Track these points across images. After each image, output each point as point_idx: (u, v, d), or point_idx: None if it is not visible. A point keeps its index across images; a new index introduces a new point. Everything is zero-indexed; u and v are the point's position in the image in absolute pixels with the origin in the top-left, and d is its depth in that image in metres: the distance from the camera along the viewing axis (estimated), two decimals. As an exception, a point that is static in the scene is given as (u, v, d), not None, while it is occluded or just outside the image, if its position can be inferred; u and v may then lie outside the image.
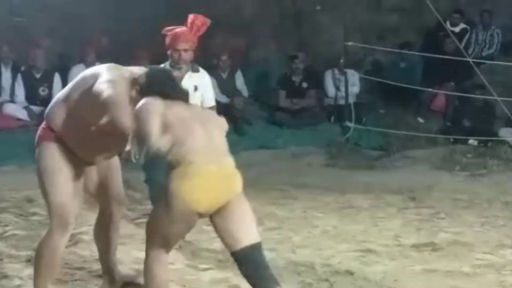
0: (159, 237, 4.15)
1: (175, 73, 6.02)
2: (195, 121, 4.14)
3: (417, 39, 12.75)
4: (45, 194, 4.49)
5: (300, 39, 12.50)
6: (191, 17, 6.14)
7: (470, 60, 10.51)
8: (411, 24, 12.86)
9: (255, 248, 4.12)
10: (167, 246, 4.20)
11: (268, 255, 6.02)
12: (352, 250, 6.23)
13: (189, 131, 4.07)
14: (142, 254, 4.44)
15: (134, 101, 4.19)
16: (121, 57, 10.97)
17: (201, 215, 4.11)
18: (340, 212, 7.58)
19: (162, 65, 6.35)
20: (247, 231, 4.15)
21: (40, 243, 4.63)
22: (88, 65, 10.42)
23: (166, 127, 4.04)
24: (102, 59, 10.60)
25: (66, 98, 4.51)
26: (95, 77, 4.36)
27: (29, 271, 5.13)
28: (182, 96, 4.31)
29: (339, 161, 10.19)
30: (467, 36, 12.48)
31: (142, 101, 4.13)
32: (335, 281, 5.46)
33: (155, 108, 4.07)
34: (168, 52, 6.30)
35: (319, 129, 11.08)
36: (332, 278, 5.53)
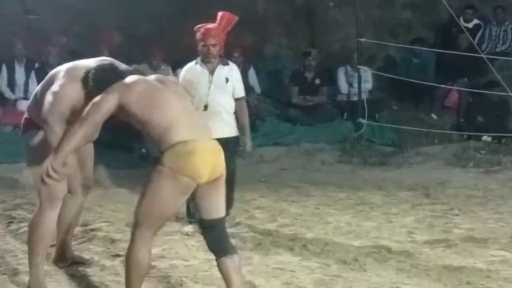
0: (154, 218, 4.38)
1: (207, 66, 6.59)
2: (168, 93, 4.51)
3: (430, 35, 12.71)
4: (36, 173, 4.73)
5: (313, 35, 12.49)
6: (220, 14, 6.52)
7: (484, 56, 10.47)
8: (424, 20, 12.82)
9: (222, 221, 4.60)
10: (159, 227, 4.47)
11: (281, 251, 6.08)
12: (365, 246, 6.23)
13: (165, 105, 4.42)
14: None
15: (89, 99, 4.52)
16: (133, 54, 11.10)
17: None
18: (353, 208, 7.57)
19: (194, 61, 6.73)
20: (221, 206, 4.59)
21: (32, 221, 4.94)
22: (101, 62, 10.48)
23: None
24: (114, 56, 10.62)
25: (38, 94, 4.97)
26: (55, 77, 4.90)
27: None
28: None
29: (352, 157, 10.18)
30: (480, 32, 12.43)
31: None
32: (348, 278, 5.45)
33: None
34: (198, 47, 6.64)
35: (332, 126, 11.06)
36: (345, 274, 5.53)
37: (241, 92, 6.79)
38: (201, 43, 6.60)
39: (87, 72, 4.66)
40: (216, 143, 4.59)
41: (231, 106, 6.70)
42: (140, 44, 10.88)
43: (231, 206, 6.96)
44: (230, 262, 4.56)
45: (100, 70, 4.63)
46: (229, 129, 6.67)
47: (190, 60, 6.85)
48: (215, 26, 6.53)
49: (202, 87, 6.61)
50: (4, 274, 5.33)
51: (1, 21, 10.35)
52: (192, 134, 4.40)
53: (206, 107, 6.58)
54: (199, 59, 6.69)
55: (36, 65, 10.36)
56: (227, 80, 6.65)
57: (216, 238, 4.58)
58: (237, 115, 6.77)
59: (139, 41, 10.88)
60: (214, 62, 6.65)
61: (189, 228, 6.72)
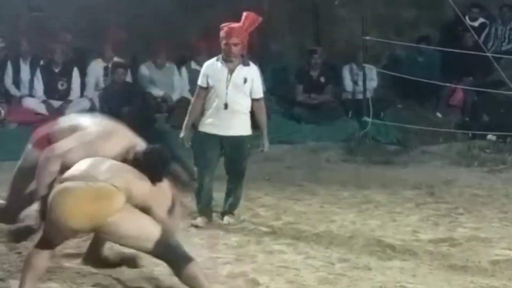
0: (45, 236, 4.48)
1: (227, 65, 6.68)
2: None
3: (435, 33, 12.67)
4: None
5: (318, 33, 12.46)
6: (244, 14, 6.66)
7: (489, 54, 10.45)
8: (429, 19, 12.78)
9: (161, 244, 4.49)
10: (51, 246, 4.52)
11: (285, 249, 6.08)
12: (369, 245, 6.22)
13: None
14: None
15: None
16: (138, 52, 11.10)
17: (77, 231, 4.43)
18: (358, 207, 7.57)
19: (215, 58, 6.80)
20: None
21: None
22: (106, 59, 10.51)
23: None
24: (119, 54, 10.65)
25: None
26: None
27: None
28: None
29: (357, 156, 10.17)
30: (486, 31, 12.39)
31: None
32: (353, 276, 5.45)
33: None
34: (221, 45, 6.72)
35: (337, 124, 11.04)
36: (350, 273, 5.53)
37: (259, 93, 6.87)
38: (224, 41, 6.68)
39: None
40: (101, 186, 4.31)
41: (247, 106, 6.78)
42: (145, 42, 10.88)
43: (238, 206, 6.96)
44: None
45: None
46: (245, 128, 6.80)
47: (193, 59, 6.95)
48: (239, 26, 6.64)
49: (220, 85, 6.70)
50: (7, 271, 5.33)
51: (6, 18, 10.35)
52: (75, 175, 4.36)
53: (226, 106, 6.69)
54: (220, 56, 6.76)
55: (42, 62, 10.37)
56: (245, 80, 6.72)
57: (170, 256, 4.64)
58: (255, 115, 6.83)
59: (144, 39, 10.87)
60: (235, 62, 6.72)
61: (198, 221, 6.79)
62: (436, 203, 7.76)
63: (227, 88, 6.67)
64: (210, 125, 6.75)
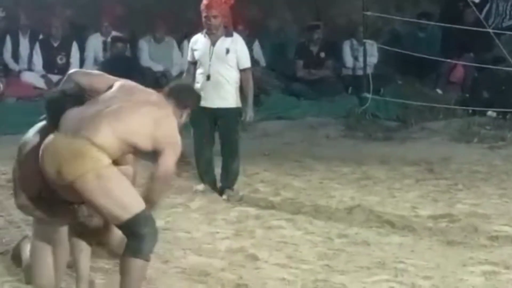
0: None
1: (210, 37, 6.77)
2: (104, 104, 4.15)
3: (436, 9, 12.61)
4: None
5: (318, 9, 12.40)
6: None
7: (490, 30, 10.40)
8: (430, -6, 12.73)
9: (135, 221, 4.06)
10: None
11: (284, 225, 6.08)
12: (369, 221, 6.23)
13: (85, 107, 4.17)
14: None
15: None
16: (137, 26, 11.04)
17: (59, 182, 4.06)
18: (357, 183, 7.57)
19: (200, 32, 6.91)
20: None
21: None
22: (104, 34, 10.46)
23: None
24: (117, 28, 10.60)
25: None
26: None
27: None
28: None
29: (356, 132, 10.16)
30: (487, 7, 12.33)
31: None
32: (351, 252, 5.46)
33: None
34: (202, 19, 6.83)
35: (336, 100, 11.01)
36: (348, 248, 5.54)
37: (245, 63, 6.90)
38: (204, 14, 6.80)
39: None
40: (73, 145, 3.99)
41: (232, 77, 6.82)
42: (144, 16, 10.82)
43: (235, 181, 6.97)
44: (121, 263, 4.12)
45: None
46: (230, 100, 6.83)
47: (194, 34, 7.00)
48: None
49: (204, 57, 6.79)
50: (7, 245, 5.33)
51: (5, -8, 10.30)
52: (64, 124, 4.08)
53: (208, 77, 6.77)
54: (205, 30, 6.86)
55: (41, 36, 10.32)
56: (227, 51, 6.78)
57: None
58: (242, 86, 6.87)
59: (143, 13, 10.82)
60: (217, 33, 6.81)
61: (200, 186, 6.99)
62: (435, 179, 7.76)
63: (210, 60, 6.74)
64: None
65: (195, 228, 6.00)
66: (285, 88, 11.08)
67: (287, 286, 4.80)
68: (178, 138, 4.21)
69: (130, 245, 4.04)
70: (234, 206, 6.65)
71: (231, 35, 6.87)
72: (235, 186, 6.99)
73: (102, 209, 4.02)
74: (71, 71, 4.53)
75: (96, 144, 3.97)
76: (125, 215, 3.99)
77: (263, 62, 11.27)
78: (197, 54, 6.87)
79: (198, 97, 4.73)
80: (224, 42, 6.81)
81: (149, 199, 4.12)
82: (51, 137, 4.07)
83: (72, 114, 4.09)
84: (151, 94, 4.32)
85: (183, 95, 4.44)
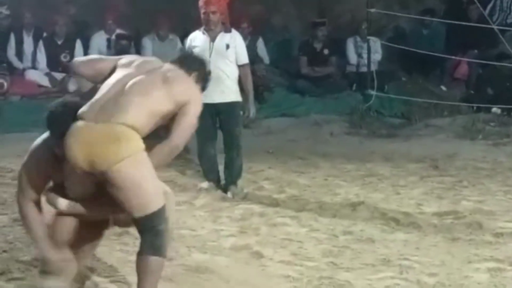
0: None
1: (209, 34, 6.84)
2: (120, 83, 4.02)
3: (440, 6, 12.59)
4: None
5: (322, 5, 12.39)
6: None
7: (495, 27, 10.38)
8: (434, -9, 12.70)
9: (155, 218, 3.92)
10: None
11: (289, 222, 6.08)
12: (373, 218, 6.22)
13: (102, 91, 4.01)
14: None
15: None
16: (141, 24, 11.04)
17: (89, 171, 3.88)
18: (362, 180, 7.56)
19: (199, 29, 6.96)
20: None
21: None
22: (108, 32, 10.47)
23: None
24: (121, 26, 10.60)
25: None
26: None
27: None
28: None
29: (361, 129, 10.15)
30: (491, 3, 12.30)
31: None
32: (356, 249, 5.45)
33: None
34: (201, 15, 6.91)
35: (341, 97, 11.01)
36: (353, 245, 5.54)
37: (244, 59, 6.96)
38: (202, 11, 6.88)
39: None
40: (107, 131, 3.84)
41: (232, 72, 6.88)
42: (148, 14, 10.82)
43: (239, 176, 6.97)
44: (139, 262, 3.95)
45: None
46: (230, 95, 6.88)
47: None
48: None
49: (204, 54, 6.68)
50: (11, 243, 5.34)
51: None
52: (86, 113, 3.90)
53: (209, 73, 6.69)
54: (203, 27, 6.94)
55: (45, 34, 10.33)
56: (227, 46, 6.85)
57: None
58: (241, 82, 6.92)
59: (147, 11, 10.81)
60: (216, 30, 6.88)
61: (205, 184, 7.00)
62: (440, 176, 7.75)
63: (210, 56, 6.71)
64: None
65: (199, 225, 6.00)
66: (289, 85, 11.08)
67: (292, 283, 4.79)
68: (197, 91, 4.21)
69: (148, 242, 3.89)
70: (238, 203, 6.65)
71: (229, 31, 6.93)
72: (240, 183, 6.99)
73: (127, 200, 3.82)
74: (73, 61, 4.44)
75: (129, 125, 3.84)
76: (149, 208, 3.85)
77: (266, 60, 11.27)
78: (196, 51, 6.84)
79: (202, 61, 4.60)
80: (223, 38, 6.87)
81: (167, 151, 4.00)
82: (77, 125, 3.87)
83: (91, 105, 3.92)
84: (159, 62, 4.32)
85: (188, 60, 4.46)
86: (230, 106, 6.87)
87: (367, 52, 11.10)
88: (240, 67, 6.92)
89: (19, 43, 10.26)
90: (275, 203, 6.67)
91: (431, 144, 9.30)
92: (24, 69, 10.23)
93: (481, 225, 6.01)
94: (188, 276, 4.86)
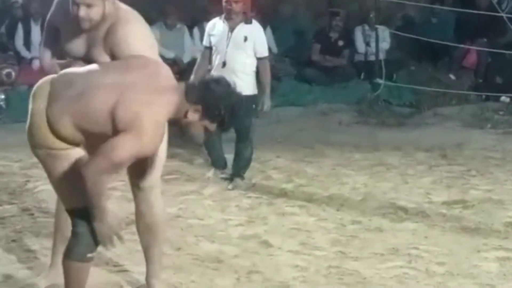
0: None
1: (228, 23, 6.65)
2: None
3: (449, -6, 12.53)
4: None
5: (331, -6, 12.35)
6: None
7: (504, 15, 10.32)
8: (443, -21, 12.63)
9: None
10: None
11: (297, 211, 6.07)
12: (382, 207, 6.22)
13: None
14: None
15: None
16: (148, 13, 11.00)
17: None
18: (370, 169, 7.54)
19: (219, 17, 6.80)
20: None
21: None
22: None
23: None
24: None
25: None
26: None
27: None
28: None
29: (369, 118, 10.12)
30: (500, -9, 12.24)
31: None
32: (365, 238, 5.45)
33: None
34: (223, 3, 6.70)
35: (349, 86, 10.98)
36: (362, 235, 5.53)
37: (263, 52, 6.77)
38: (224, 0, 6.67)
39: None
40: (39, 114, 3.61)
41: (249, 65, 6.70)
42: (155, 3, 10.79)
43: (247, 168, 6.94)
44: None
45: None
46: (244, 87, 6.45)
47: (205, 20, 6.91)
48: None
49: (221, 43, 6.69)
50: (20, 232, 5.35)
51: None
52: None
53: (224, 64, 6.65)
54: (223, 15, 6.75)
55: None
56: (245, 38, 6.65)
57: None
58: (259, 74, 6.78)
59: (154, 0, 10.79)
60: (236, 20, 6.69)
61: (211, 172, 7.04)
62: (448, 165, 7.73)
63: (227, 47, 6.63)
64: None
65: (207, 215, 6.00)
66: (297, 74, 11.05)
67: (300, 273, 4.79)
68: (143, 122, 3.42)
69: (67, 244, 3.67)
70: (246, 193, 6.64)
71: (250, 22, 6.74)
72: (248, 174, 6.96)
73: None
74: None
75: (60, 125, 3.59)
76: (69, 204, 3.65)
77: (275, 49, 11.24)
78: (214, 40, 6.75)
79: (213, 92, 3.58)
80: (242, 29, 6.67)
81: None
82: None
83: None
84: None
85: (196, 87, 3.62)
86: (247, 99, 6.46)
87: (375, 41, 11.06)
88: (258, 60, 6.72)
89: (27, 32, 10.26)
90: (283, 193, 6.67)
91: (439, 133, 9.28)
92: (32, 59, 10.23)
93: (490, 214, 6.00)
94: (196, 265, 4.86)
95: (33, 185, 6.66)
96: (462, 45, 11.31)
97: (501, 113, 10.06)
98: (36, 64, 10.13)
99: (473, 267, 4.91)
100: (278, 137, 8.90)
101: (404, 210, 6.12)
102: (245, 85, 6.60)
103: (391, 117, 10.16)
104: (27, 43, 10.28)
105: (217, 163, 7.06)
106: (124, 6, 4.03)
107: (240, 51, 6.64)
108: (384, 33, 11.27)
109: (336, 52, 11.12)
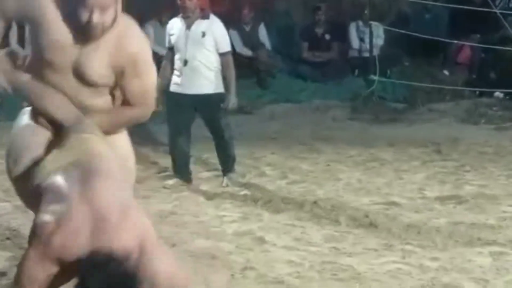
0: None
1: (186, 21, 6.46)
2: None
3: (443, -10, 12.54)
4: None
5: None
6: None
7: (497, 11, 10.34)
8: (437, -26, 12.64)
9: None
10: None
11: (291, 208, 6.08)
12: (376, 203, 6.23)
13: None
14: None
15: None
16: (143, 10, 11.00)
17: None
18: (364, 165, 7.56)
19: (178, 16, 6.62)
20: None
21: None
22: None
23: None
24: (123, 12, 10.53)
25: None
26: None
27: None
28: None
29: (363, 114, 10.14)
30: (494, -13, 12.26)
31: None
32: (359, 234, 5.46)
33: None
34: (177, 1, 6.56)
35: (343, 83, 11.01)
36: (355, 230, 5.54)
37: (224, 47, 6.57)
38: None
39: None
40: None
41: (211, 61, 6.51)
42: (150, 0, 10.78)
43: (233, 164, 6.78)
44: None
45: None
46: (209, 86, 6.52)
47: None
48: None
49: (180, 42, 6.53)
50: (14, 230, 5.35)
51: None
52: None
53: (185, 63, 6.49)
54: (181, 14, 6.61)
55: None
56: (203, 34, 6.47)
57: None
58: (223, 71, 6.56)
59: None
60: (193, 17, 6.52)
61: (170, 182, 6.70)
62: (442, 160, 7.75)
63: (186, 45, 6.47)
64: (176, 84, 6.54)
65: (202, 211, 6.00)
66: (291, 71, 11.06)
67: (294, 268, 4.80)
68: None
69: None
70: (241, 189, 6.64)
71: (207, 18, 6.54)
72: (241, 169, 6.95)
73: None
74: None
75: None
76: None
77: (268, 45, 11.25)
78: (173, 39, 6.58)
79: None
80: (200, 25, 6.49)
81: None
82: None
83: None
84: None
85: None
86: (208, 98, 6.51)
87: (369, 37, 11.08)
88: (220, 55, 6.51)
89: (22, 29, 10.23)
90: (277, 189, 6.68)
91: (433, 128, 9.30)
92: (25, 56, 10.20)
93: (484, 209, 6.02)
94: (191, 262, 4.87)
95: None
96: (456, 41, 11.33)
97: (495, 108, 10.09)
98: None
99: (467, 262, 4.92)
100: (272, 133, 8.91)
101: (398, 205, 6.13)
102: (209, 83, 6.52)
103: (385, 113, 10.17)
104: (22, 41, 10.25)
105: (179, 170, 6.75)
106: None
107: (200, 48, 6.47)
108: (378, 29, 11.28)
109: (325, 47, 11.13)
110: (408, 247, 5.18)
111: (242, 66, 10.73)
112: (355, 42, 11.45)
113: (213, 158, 7.27)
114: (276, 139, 8.72)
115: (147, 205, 5.56)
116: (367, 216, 5.86)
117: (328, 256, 5.03)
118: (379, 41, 11.34)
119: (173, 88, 6.59)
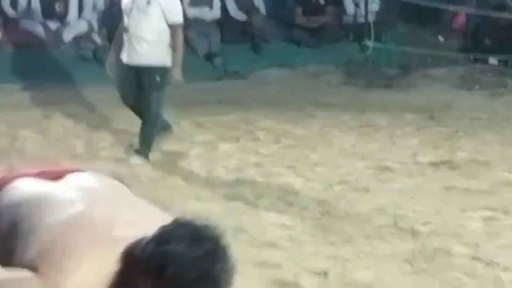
0: None
1: None
2: None
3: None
4: None
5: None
6: None
7: (493, -23, 10.28)
8: None
9: None
10: None
11: (285, 172, 6.09)
12: (369, 168, 6.24)
13: None
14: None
15: None
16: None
17: None
18: (358, 130, 7.55)
19: None
20: None
21: None
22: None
23: None
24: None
25: None
26: None
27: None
28: None
29: (357, 79, 10.10)
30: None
31: None
32: (351, 198, 5.47)
33: None
34: None
35: (338, 48, 10.94)
36: (349, 195, 5.55)
37: (173, 18, 6.20)
38: None
39: None
40: None
41: (155, 32, 6.19)
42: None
43: (145, 146, 6.32)
44: None
45: None
46: (150, 57, 6.19)
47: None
48: None
49: (127, 8, 6.24)
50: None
51: None
52: None
53: (126, 29, 6.23)
54: None
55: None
56: (148, 2, 6.13)
57: None
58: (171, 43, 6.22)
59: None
60: None
61: (135, 159, 6.28)
62: (436, 126, 7.75)
63: (131, 11, 6.18)
64: (123, 53, 6.27)
65: (194, 175, 6.00)
66: (286, 36, 11.00)
67: (286, 231, 4.82)
68: None
69: None
70: (234, 154, 6.64)
71: None
72: (236, 133, 6.90)
73: None
74: None
75: None
76: None
77: (263, 10, 11.16)
78: (123, 7, 6.31)
79: None
80: None
81: None
82: None
83: None
84: None
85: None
86: (149, 70, 6.15)
87: (364, 2, 11.00)
88: (169, 26, 6.16)
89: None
90: (271, 154, 6.67)
91: (428, 94, 9.28)
92: (18, 19, 10.12)
93: (477, 175, 6.03)
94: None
95: (20, 144, 6.64)
96: (451, 7, 11.26)
97: (489, 74, 10.06)
98: (23, 23, 10.05)
99: (459, 227, 4.95)
100: (266, 98, 8.88)
101: (391, 170, 6.15)
102: (151, 54, 6.19)
103: (379, 79, 10.14)
104: (14, 3, 10.16)
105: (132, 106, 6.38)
106: None
107: (144, 17, 6.15)
108: (373, -6, 11.20)
109: (319, 11, 11.04)
110: (400, 211, 5.20)
111: (236, 31, 10.72)
112: (350, 8, 11.37)
113: (209, 122, 7.28)
114: (270, 104, 8.70)
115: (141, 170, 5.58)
116: (360, 181, 5.87)
117: (320, 220, 5.04)
118: (374, 6, 11.25)
119: (122, 57, 6.30)
